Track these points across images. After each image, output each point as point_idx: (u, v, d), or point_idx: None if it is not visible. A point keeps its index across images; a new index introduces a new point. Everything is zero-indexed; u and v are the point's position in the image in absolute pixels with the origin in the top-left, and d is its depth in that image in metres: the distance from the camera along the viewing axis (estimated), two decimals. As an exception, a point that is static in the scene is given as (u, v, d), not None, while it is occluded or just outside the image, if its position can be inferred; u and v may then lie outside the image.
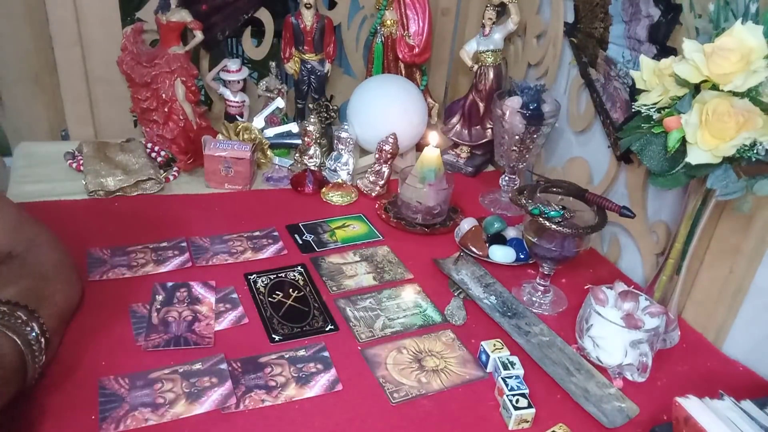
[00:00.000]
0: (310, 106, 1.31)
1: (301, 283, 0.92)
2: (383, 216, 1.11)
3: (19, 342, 0.64)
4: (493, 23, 1.21)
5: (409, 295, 0.92)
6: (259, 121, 1.22)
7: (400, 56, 1.30)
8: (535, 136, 1.09)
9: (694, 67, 0.69)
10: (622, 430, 0.73)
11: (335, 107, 1.28)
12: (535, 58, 1.22)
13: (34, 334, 0.66)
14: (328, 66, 1.30)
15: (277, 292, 0.89)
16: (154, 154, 1.18)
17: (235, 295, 0.88)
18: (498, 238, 1.03)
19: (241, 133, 1.19)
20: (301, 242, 1.02)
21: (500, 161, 1.18)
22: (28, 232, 0.78)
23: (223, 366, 0.75)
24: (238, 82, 1.25)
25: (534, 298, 0.93)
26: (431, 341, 0.84)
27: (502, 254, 1.00)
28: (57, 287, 0.75)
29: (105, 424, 0.66)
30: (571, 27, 1.10)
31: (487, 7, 1.20)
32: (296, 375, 0.75)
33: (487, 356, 0.79)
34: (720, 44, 0.67)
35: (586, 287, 0.82)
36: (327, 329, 0.84)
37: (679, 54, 0.72)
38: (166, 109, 1.19)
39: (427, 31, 1.29)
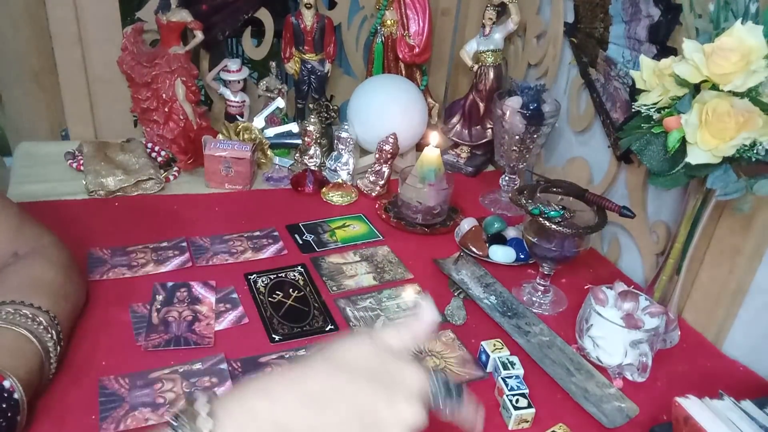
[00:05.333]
0: (310, 106, 1.31)
1: (301, 283, 0.92)
2: (383, 216, 1.10)
3: (40, 349, 0.64)
4: (493, 23, 1.21)
5: (410, 295, 0.92)
6: (259, 121, 1.22)
7: (400, 56, 1.30)
8: (535, 136, 1.09)
9: (694, 67, 0.69)
10: (622, 430, 0.73)
11: (335, 107, 1.28)
12: (535, 58, 1.22)
13: (53, 340, 0.66)
14: (328, 66, 1.29)
15: (277, 292, 0.89)
16: (154, 154, 1.18)
17: (235, 295, 0.88)
18: (498, 238, 1.03)
19: (241, 133, 1.19)
20: (301, 242, 1.02)
21: (500, 161, 1.18)
22: (31, 232, 0.78)
23: (223, 366, 0.75)
24: (238, 82, 1.25)
25: (534, 298, 0.93)
26: (431, 341, 0.83)
27: (502, 254, 1.00)
28: (69, 289, 0.75)
29: (105, 423, 0.66)
30: (571, 27, 1.10)
31: (487, 7, 1.20)
32: (296, 375, 0.75)
33: (487, 356, 0.79)
34: (720, 44, 0.67)
35: (586, 287, 0.82)
36: (327, 329, 0.84)
37: (679, 54, 0.72)
38: (166, 109, 1.19)
39: (427, 31, 1.29)
